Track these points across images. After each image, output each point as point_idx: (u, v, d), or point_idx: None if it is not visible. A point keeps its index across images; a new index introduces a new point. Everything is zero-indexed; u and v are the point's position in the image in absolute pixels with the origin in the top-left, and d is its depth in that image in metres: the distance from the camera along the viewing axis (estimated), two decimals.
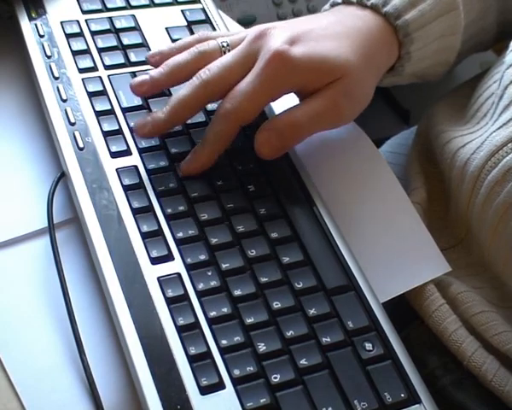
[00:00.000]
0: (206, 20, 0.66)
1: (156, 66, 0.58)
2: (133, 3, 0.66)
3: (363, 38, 0.57)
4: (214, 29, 0.65)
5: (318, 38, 0.55)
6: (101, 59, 0.61)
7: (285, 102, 0.56)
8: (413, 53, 0.60)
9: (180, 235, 0.51)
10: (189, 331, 0.47)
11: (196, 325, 0.48)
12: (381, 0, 0.59)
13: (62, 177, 0.56)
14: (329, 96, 0.54)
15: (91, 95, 0.59)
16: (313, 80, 0.54)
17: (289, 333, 0.48)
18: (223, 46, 0.57)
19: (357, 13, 0.59)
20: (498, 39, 0.68)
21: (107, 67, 0.61)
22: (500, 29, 0.67)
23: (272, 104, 0.59)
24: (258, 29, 0.56)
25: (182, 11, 0.67)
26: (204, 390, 0.45)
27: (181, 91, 0.55)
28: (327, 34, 0.56)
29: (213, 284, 0.49)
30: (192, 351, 0.46)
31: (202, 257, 0.50)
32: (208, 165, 0.55)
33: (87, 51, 0.62)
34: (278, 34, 0.54)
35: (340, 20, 0.58)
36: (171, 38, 0.64)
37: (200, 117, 0.58)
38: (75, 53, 0.61)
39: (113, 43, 0.63)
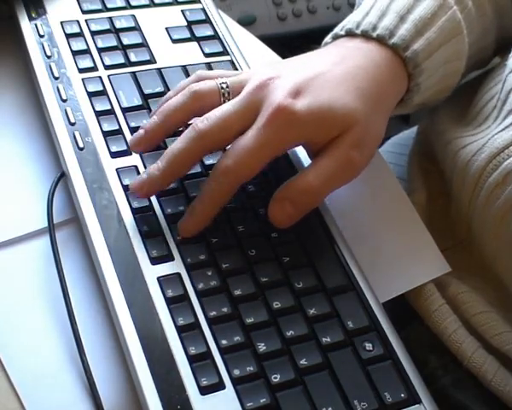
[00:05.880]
0: (206, 20, 0.66)
1: None
2: (133, 3, 0.66)
3: (370, 78, 0.53)
4: (214, 29, 0.65)
5: (323, 86, 0.51)
6: (101, 59, 0.61)
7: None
8: (422, 83, 0.56)
9: None
10: (188, 331, 0.47)
11: (196, 325, 0.48)
12: (387, 31, 0.55)
13: (62, 177, 0.56)
14: (341, 153, 0.51)
15: (91, 95, 0.59)
16: (320, 134, 0.51)
17: (289, 333, 0.48)
18: (222, 87, 0.53)
19: (362, 47, 0.55)
20: (495, 55, 0.67)
21: (107, 67, 0.61)
22: (498, 46, 0.66)
23: None
24: (259, 78, 0.52)
25: (182, 11, 0.67)
26: (204, 390, 0.45)
27: (176, 144, 0.51)
28: (331, 79, 0.52)
29: (213, 284, 0.49)
30: (192, 351, 0.46)
31: (202, 257, 0.50)
32: (205, 225, 0.51)
33: (87, 51, 0.62)
34: (280, 85, 0.51)
35: (345, 59, 0.54)
36: (171, 38, 0.64)
37: None
38: (75, 53, 0.62)
39: (113, 43, 0.63)
